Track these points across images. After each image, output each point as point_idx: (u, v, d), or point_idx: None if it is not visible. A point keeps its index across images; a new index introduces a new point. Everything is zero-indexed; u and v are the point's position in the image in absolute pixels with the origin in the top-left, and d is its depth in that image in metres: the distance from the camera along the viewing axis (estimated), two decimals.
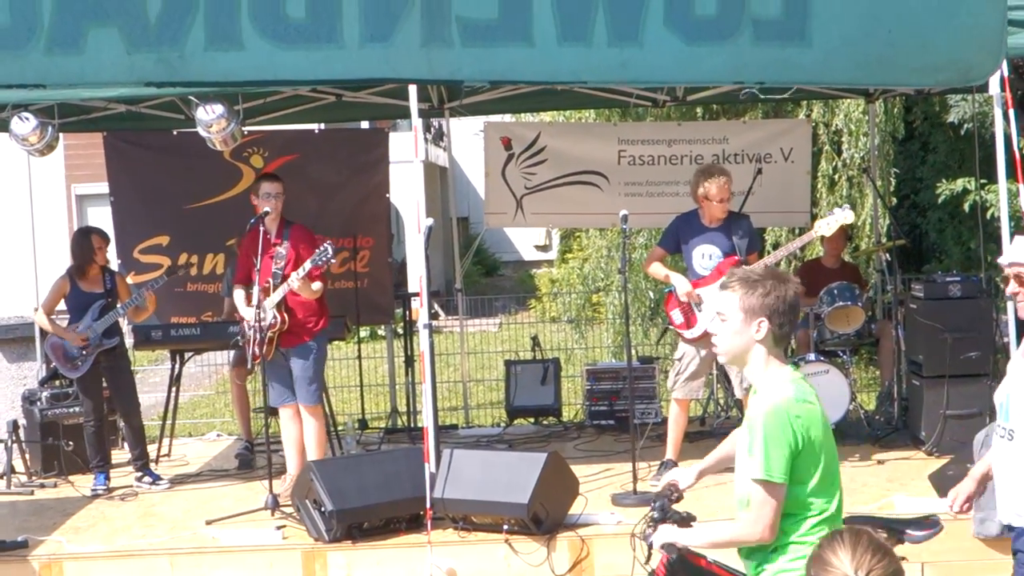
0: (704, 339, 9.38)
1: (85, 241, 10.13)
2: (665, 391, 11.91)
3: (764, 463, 4.43)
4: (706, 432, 11.25)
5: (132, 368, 10.69)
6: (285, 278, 9.11)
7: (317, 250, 8.99)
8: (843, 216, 9.37)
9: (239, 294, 9.48)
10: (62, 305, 10.20)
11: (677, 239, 9.63)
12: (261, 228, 9.13)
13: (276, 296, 9.10)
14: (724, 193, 9.34)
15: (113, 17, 6.26)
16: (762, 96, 12.33)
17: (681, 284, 9.46)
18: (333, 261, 9.20)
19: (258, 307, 8.96)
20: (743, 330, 4.62)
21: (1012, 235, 8.18)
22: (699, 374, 9.56)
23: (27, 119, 9.99)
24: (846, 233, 12.84)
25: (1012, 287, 5.21)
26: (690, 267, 9.54)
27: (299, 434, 9.38)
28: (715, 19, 6.81)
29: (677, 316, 9.55)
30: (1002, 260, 5.33)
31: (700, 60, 6.94)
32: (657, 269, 9.74)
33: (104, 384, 10.23)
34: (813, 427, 4.51)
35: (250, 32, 6.35)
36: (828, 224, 9.39)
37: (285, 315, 9.14)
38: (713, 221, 9.44)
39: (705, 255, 9.44)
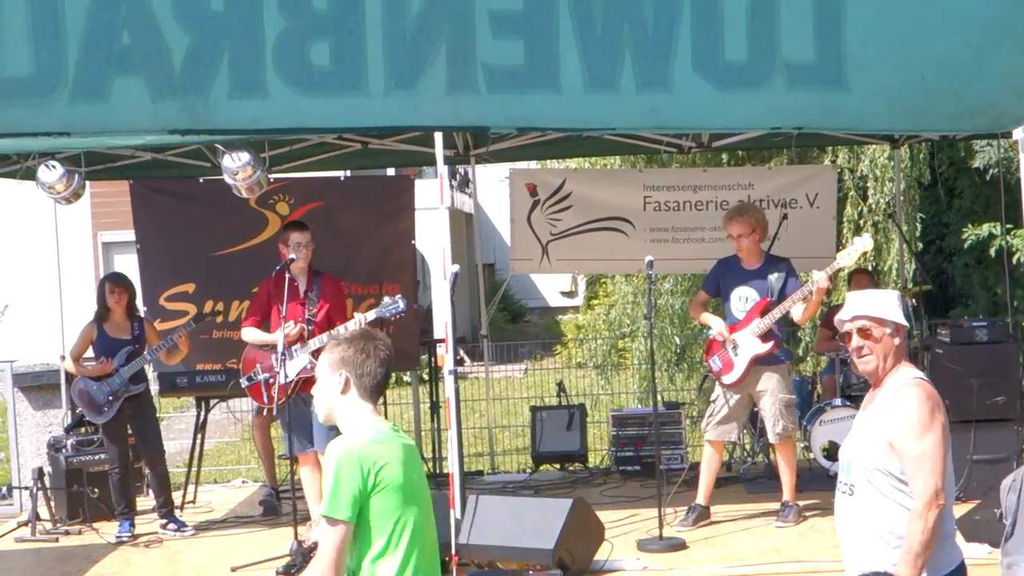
0: (740, 383, 9.38)
1: (100, 288, 10.26)
2: (691, 436, 11.89)
3: (329, 500, 4.47)
4: (732, 477, 11.19)
5: (158, 415, 10.70)
6: (318, 325, 9.16)
7: (385, 299, 9.04)
8: (863, 244, 9.26)
9: (252, 330, 9.47)
10: (90, 353, 10.25)
11: (717, 283, 9.68)
12: (287, 275, 9.16)
13: (315, 343, 9.14)
14: (738, 228, 9.41)
15: (138, 66, 6.30)
16: (793, 144, 12.35)
17: (716, 324, 9.49)
18: (403, 315, 9.24)
19: (283, 354, 8.98)
20: (329, 385, 4.72)
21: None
22: (732, 417, 9.52)
23: (54, 167, 10.06)
24: (872, 279, 12.81)
25: (856, 342, 5.19)
26: (728, 312, 9.56)
27: (320, 482, 9.38)
28: (746, 64, 6.80)
29: (715, 363, 9.57)
30: (842, 315, 5.28)
31: (733, 106, 6.93)
32: (702, 316, 9.77)
33: (129, 431, 10.25)
34: (388, 469, 4.56)
35: (275, 80, 6.37)
36: (849, 254, 9.28)
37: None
38: (751, 264, 9.44)
39: (742, 298, 9.45)
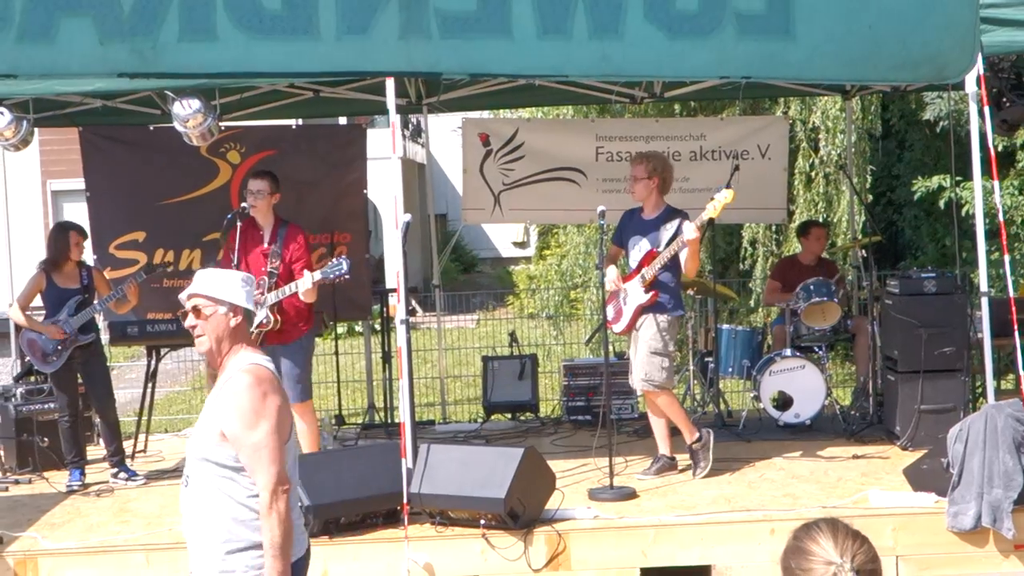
0: (628, 332, 9.34)
1: (62, 237, 10.06)
2: None
3: None
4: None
5: (108, 364, 10.63)
6: (281, 278, 9.11)
7: (331, 262, 8.99)
8: (722, 196, 9.12)
9: None
10: (38, 301, 10.15)
11: (621, 234, 9.58)
12: (238, 224, 9.10)
13: (272, 297, 9.08)
14: (634, 170, 9.28)
15: (86, 7, 6.22)
16: (744, 95, 12.38)
17: (610, 274, 9.37)
18: (347, 278, 9.18)
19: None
20: None
21: (987, 231, 8.25)
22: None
23: (1, 113, 9.93)
24: (827, 234, 12.87)
25: (190, 320, 5.07)
26: (628, 263, 9.48)
27: None
28: (697, 13, 6.81)
29: (610, 312, 9.47)
30: (182, 296, 5.16)
31: (683, 54, 6.93)
32: (607, 269, 9.48)
33: (79, 380, 10.18)
34: None
35: (225, 23, 6.31)
36: (714, 206, 9.16)
37: (278, 316, 9.13)
38: (649, 214, 9.35)
39: (637, 248, 9.33)
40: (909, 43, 7.04)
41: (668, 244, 9.12)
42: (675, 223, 9.20)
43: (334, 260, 9.00)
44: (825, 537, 3.41)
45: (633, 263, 9.35)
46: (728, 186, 9.16)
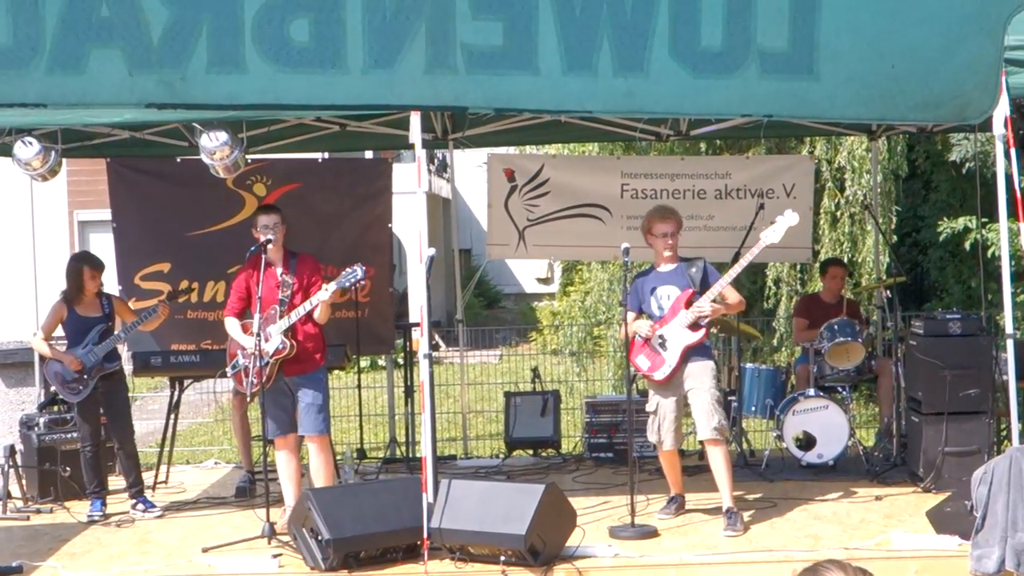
0: (672, 378, 9.16)
1: (75, 272, 10.07)
2: None
3: None
4: (703, 466, 11.16)
5: (131, 395, 10.64)
6: (293, 306, 9.07)
7: (345, 271, 8.95)
8: (788, 219, 9.13)
9: (233, 323, 9.36)
10: (60, 331, 10.17)
11: (638, 299, 9.41)
12: (263, 257, 9.08)
13: (285, 323, 9.03)
14: (670, 226, 9.23)
15: (116, 38, 6.27)
16: (769, 134, 12.38)
17: (641, 325, 9.24)
18: (363, 283, 9.10)
19: (258, 335, 8.90)
20: None
21: (1012, 274, 8.21)
22: (679, 421, 9.24)
23: (30, 143, 10.02)
24: (846, 271, 12.83)
25: None
26: (650, 314, 9.30)
27: (296, 467, 9.30)
28: (721, 51, 6.82)
29: (643, 361, 9.25)
30: None
31: (707, 92, 6.94)
32: (630, 328, 9.31)
33: (100, 409, 10.20)
34: None
35: (253, 55, 6.34)
36: (774, 231, 9.15)
37: (294, 342, 9.06)
38: (668, 266, 9.29)
39: (662, 297, 9.22)
40: (931, 83, 7.03)
41: (704, 283, 9.09)
42: (700, 266, 9.19)
43: (348, 269, 8.97)
44: (834, 573, 3.39)
45: (659, 312, 9.21)
46: (784, 213, 9.17)
